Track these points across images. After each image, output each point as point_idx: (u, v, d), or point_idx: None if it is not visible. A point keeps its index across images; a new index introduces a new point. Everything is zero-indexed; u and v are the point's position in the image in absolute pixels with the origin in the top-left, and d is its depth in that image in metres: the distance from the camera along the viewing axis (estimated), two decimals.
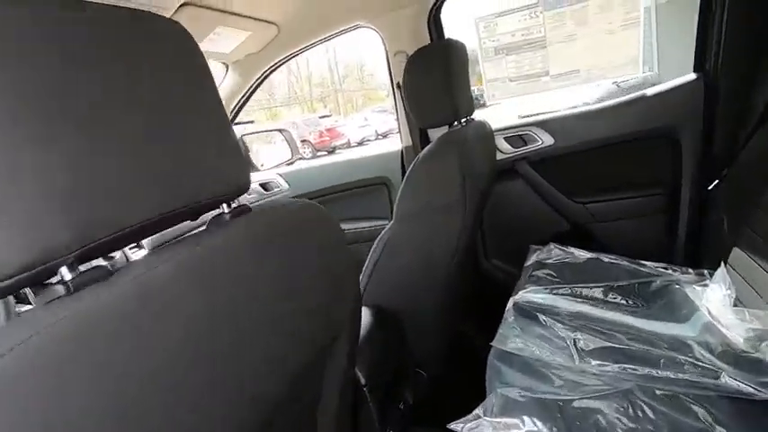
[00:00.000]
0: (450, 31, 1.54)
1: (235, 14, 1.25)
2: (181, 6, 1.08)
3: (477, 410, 0.78)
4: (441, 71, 1.03)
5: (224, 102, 1.80)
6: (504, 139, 1.54)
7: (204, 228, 0.49)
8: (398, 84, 1.52)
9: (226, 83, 1.72)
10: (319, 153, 14.39)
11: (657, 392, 0.78)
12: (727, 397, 0.75)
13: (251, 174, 1.74)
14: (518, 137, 1.54)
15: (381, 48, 1.57)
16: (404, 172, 1.72)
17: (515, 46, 1.44)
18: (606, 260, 1.36)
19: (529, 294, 1.18)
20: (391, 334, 1.09)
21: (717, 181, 1.29)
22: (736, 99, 1.21)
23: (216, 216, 0.50)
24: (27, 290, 0.35)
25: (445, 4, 1.43)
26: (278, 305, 0.49)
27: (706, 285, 1.11)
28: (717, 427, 0.70)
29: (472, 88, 1.22)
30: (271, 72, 1.73)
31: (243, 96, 1.79)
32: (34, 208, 0.32)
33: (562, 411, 0.76)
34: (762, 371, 0.78)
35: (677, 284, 1.18)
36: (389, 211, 1.81)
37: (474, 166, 1.08)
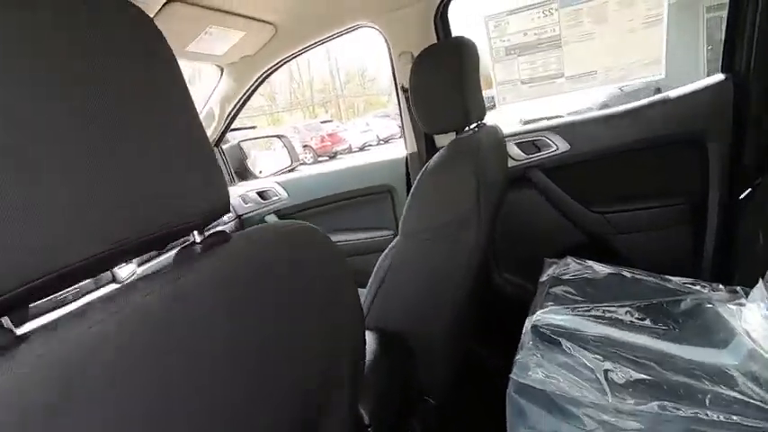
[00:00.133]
0: (456, 31, 1.45)
1: (228, 13, 1.17)
2: (167, 3, 0.99)
3: None
4: (451, 72, 0.94)
5: (219, 107, 1.72)
6: (516, 144, 1.45)
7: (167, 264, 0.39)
8: (403, 86, 1.43)
9: (221, 87, 1.63)
10: (321, 158, 14.35)
11: None
12: None
13: (249, 181, 1.63)
14: (530, 143, 1.44)
15: (384, 49, 1.48)
16: (409, 179, 1.63)
17: (528, 46, 1.35)
18: (628, 275, 1.26)
19: (548, 315, 1.08)
20: (397, 361, 1.00)
21: (749, 190, 1.19)
22: None
23: (183, 248, 0.40)
24: None
25: (453, 2, 1.34)
26: (259, 363, 0.39)
27: (742, 304, 1.01)
28: None
29: None
30: (268, 75, 1.64)
31: (239, 101, 1.70)
32: None
33: None
34: None
35: (709, 303, 1.08)
36: (394, 221, 1.72)
37: (488, 176, 0.99)
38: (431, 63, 0.96)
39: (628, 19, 1.21)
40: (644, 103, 1.31)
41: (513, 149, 1.45)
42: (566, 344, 0.95)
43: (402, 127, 1.58)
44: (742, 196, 1.21)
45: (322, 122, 15.77)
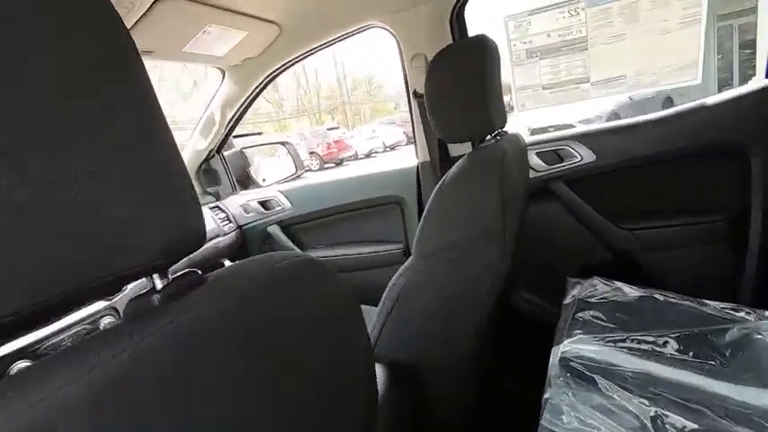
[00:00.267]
0: (472, 32, 1.35)
1: (228, 11, 1.08)
2: None
3: None
4: (472, 75, 0.84)
5: (220, 112, 1.63)
6: (536, 154, 1.34)
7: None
8: (415, 91, 1.34)
9: (222, 91, 1.55)
10: (327, 165, 14.33)
11: None
12: None
13: (251, 189, 1.52)
14: (553, 152, 1.34)
15: (395, 52, 1.39)
16: (420, 190, 1.53)
17: (551, 48, 1.25)
18: (661, 299, 1.14)
19: (577, 346, 0.97)
20: (409, 393, 0.89)
21: None
22: None
23: (136, 298, 0.30)
24: None
25: (470, 1, 1.25)
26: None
27: None
28: None
29: None
30: (272, 78, 1.55)
31: (241, 106, 1.61)
32: None
33: None
34: None
35: (758, 334, 0.97)
36: (403, 234, 1.61)
37: (512, 189, 0.89)
38: (449, 65, 0.87)
39: (662, 19, 1.11)
40: (678, 110, 1.20)
41: (534, 159, 1.34)
42: (601, 382, 0.84)
43: (413, 134, 1.48)
44: None
45: (328, 129, 15.77)
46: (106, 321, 1.15)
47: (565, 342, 0.99)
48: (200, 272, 0.34)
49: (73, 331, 1.06)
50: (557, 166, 1.33)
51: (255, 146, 2.18)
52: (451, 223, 0.81)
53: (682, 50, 1.14)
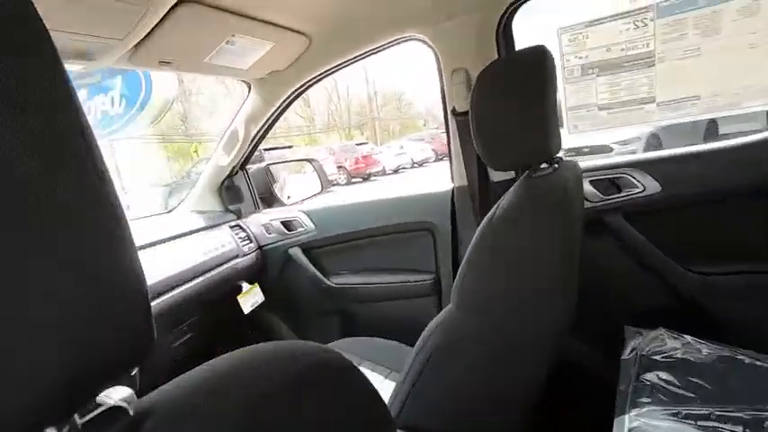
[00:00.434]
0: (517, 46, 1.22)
1: (254, 20, 0.99)
2: (180, 2, 0.82)
3: None
4: (530, 91, 0.71)
5: (244, 127, 1.56)
6: (590, 182, 1.18)
7: None
8: (454, 109, 1.21)
9: (246, 105, 1.47)
10: (354, 180, 14.37)
11: None
12: None
13: (274, 208, 1.40)
14: (609, 181, 1.18)
15: (431, 66, 1.27)
16: (454, 217, 1.39)
17: (611, 64, 1.10)
18: (747, 360, 0.96)
19: (647, 421, 0.80)
20: None
21: None
22: None
23: None
24: None
25: (520, 10, 1.12)
26: None
27: None
28: None
29: None
30: (300, 93, 1.47)
31: (267, 121, 1.53)
32: None
33: None
34: None
35: None
36: (434, 264, 1.47)
37: (576, 228, 0.74)
38: (501, 81, 0.74)
39: (749, 31, 0.95)
40: (766, 136, 1.02)
41: (587, 187, 1.18)
42: None
43: (449, 156, 1.35)
44: None
45: (357, 144, 15.89)
46: None
47: (631, 414, 0.82)
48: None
49: None
50: (614, 196, 1.17)
51: (281, 162, 2.10)
52: (504, 269, 0.67)
53: None
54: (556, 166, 0.79)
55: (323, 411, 0.29)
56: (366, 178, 14.60)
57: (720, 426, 0.78)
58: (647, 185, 1.13)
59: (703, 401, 0.84)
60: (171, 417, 0.25)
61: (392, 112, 28.44)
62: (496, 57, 1.16)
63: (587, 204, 1.19)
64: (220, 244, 1.54)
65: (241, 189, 1.73)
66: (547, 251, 0.65)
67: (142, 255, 1.13)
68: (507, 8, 1.12)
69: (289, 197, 2.03)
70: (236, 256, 1.57)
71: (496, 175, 1.26)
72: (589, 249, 1.21)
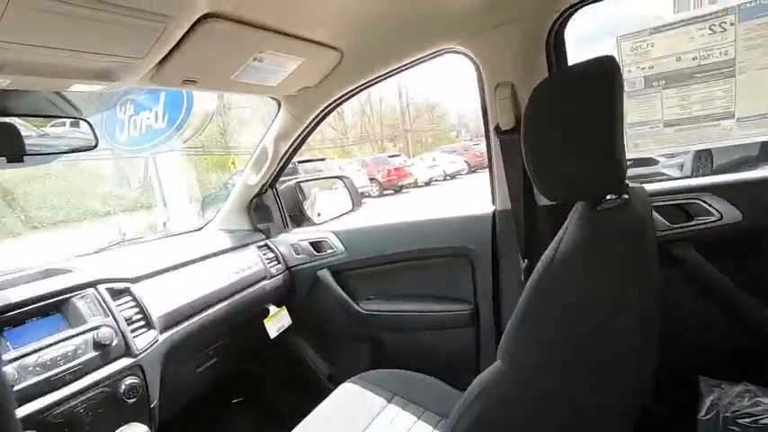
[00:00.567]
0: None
1: (282, 34, 0.93)
2: (202, 18, 0.77)
3: None
4: (597, 109, 0.59)
5: (273, 145, 1.51)
6: (656, 208, 1.04)
7: None
8: (498, 127, 1.10)
9: (277, 122, 1.42)
10: (386, 192, 14.36)
11: None
12: None
13: (304, 227, 1.33)
14: (678, 207, 1.03)
15: (472, 79, 1.17)
16: (495, 243, 1.27)
17: (681, 75, 0.97)
18: None
19: None
20: None
21: None
22: None
23: None
24: None
25: (573, 18, 1.01)
26: None
27: None
28: None
29: None
30: (331, 110, 1.40)
31: (296, 139, 1.47)
32: None
33: None
34: None
35: None
36: (472, 292, 1.35)
37: (651, 269, 0.62)
38: (560, 96, 0.63)
39: None
40: None
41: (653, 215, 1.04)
42: None
43: (490, 177, 1.24)
44: None
45: (390, 156, 15.91)
46: (128, 383, 1.00)
47: None
48: None
49: (87, 396, 0.92)
50: (684, 225, 1.02)
51: (311, 180, 2.05)
52: (566, 322, 0.56)
53: None
54: (626, 196, 0.66)
55: None
56: (398, 190, 14.56)
57: None
58: (725, 213, 0.98)
59: None
60: None
61: (425, 124, 28.44)
62: (546, 70, 1.05)
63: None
64: (247, 265, 1.49)
65: (270, 208, 1.68)
66: (621, 301, 0.53)
67: (169, 276, 1.07)
68: (559, 16, 1.01)
69: (319, 214, 1.97)
70: (264, 278, 1.52)
71: (544, 199, 1.14)
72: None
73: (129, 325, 1.04)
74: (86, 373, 0.92)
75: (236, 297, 1.37)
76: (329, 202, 2.12)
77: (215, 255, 1.41)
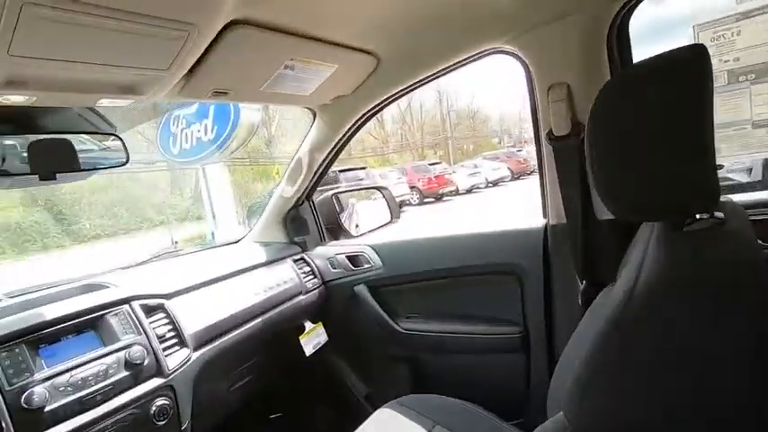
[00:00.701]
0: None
1: (313, 40, 0.88)
2: (229, 26, 0.73)
3: None
4: (685, 109, 0.48)
5: (308, 156, 1.47)
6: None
7: None
8: (550, 132, 0.99)
9: (312, 133, 1.37)
10: (426, 199, 14.22)
11: None
12: None
13: (341, 240, 1.24)
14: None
15: (520, 80, 1.07)
16: (547, 259, 1.15)
17: None
18: None
19: None
20: None
21: None
22: None
23: None
24: None
25: (638, 7, 0.88)
26: None
27: None
28: None
29: None
30: (367, 119, 1.34)
31: (332, 150, 1.42)
32: None
33: None
34: None
35: None
36: (521, 314, 1.23)
37: (764, 309, 0.49)
38: (636, 95, 0.52)
39: None
40: None
41: None
42: None
43: (541, 187, 1.12)
44: None
45: (430, 164, 15.76)
46: (159, 404, 0.97)
47: None
48: None
49: (116, 418, 0.89)
50: None
51: (348, 191, 2.01)
52: (651, 381, 0.44)
53: None
54: (720, 215, 0.54)
55: None
56: (438, 198, 14.38)
57: None
58: None
59: None
60: None
61: (466, 131, 28.08)
62: (607, 69, 0.93)
63: None
64: (283, 279, 1.45)
65: (307, 220, 1.64)
66: (727, 355, 0.41)
67: (204, 292, 1.04)
68: (621, 8, 0.89)
69: (357, 226, 1.91)
70: (300, 293, 1.47)
71: (605, 212, 1.01)
72: None
73: (161, 343, 1.01)
74: (117, 394, 0.90)
75: (272, 313, 1.33)
76: (367, 213, 2.06)
77: (250, 269, 1.38)
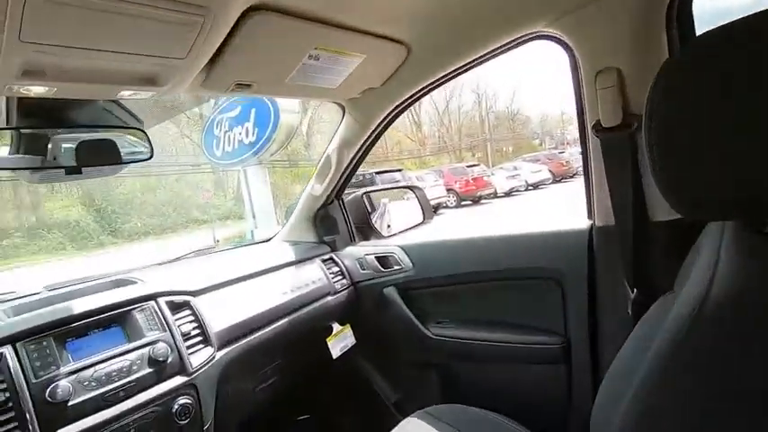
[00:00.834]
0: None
1: (338, 27, 0.83)
2: (248, 12, 0.69)
3: None
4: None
5: (337, 153, 1.43)
6: None
7: None
8: (598, 124, 0.89)
9: (341, 129, 1.33)
10: (464, 202, 13.98)
11: None
12: None
13: (371, 241, 1.17)
14: None
15: (564, 66, 0.98)
16: (592, 264, 1.05)
17: None
18: None
19: None
20: None
21: None
22: None
23: None
24: None
25: None
26: None
27: None
28: None
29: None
30: (400, 112, 1.28)
31: (362, 146, 1.38)
32: None
33: None
34: None
35: None
36: (563, 322, 1.13)
37: None
38: (710, 71, 0.43)
39: None
40: None
41: None
42: None
43: (587, 185, 1.02)
44: None
45: (468, 166, 15.50)
46: (181, 402, 0.96)
47: None
48: None
49: (138, 415, 0.88)
50: None
51: (379, 190, 1.96)
52: (734, 405, 0.36)
53: None
54: None
55: None
56: (476, 200, 14.11)
57: None
58: None
59: None
60: None
61: (505, 132, 27.45)
62: (666, 50, 0.82)
63: None
64: (311, 279, 1.42)
65: (336, 219, 1.60)
66: None
67: (231, 290, 1.02)
68: None
69: (389, 226, 1.86)
70: (328, 294, 1.44)
71: (661, 212, 0.90)
72: None
73: (186, 340, 1.00)
74: (140, 391, 0.89)
75: (299, 313, 1.30)
76: (399, 213, 2.00)
77: (278, 268, 1.36)
